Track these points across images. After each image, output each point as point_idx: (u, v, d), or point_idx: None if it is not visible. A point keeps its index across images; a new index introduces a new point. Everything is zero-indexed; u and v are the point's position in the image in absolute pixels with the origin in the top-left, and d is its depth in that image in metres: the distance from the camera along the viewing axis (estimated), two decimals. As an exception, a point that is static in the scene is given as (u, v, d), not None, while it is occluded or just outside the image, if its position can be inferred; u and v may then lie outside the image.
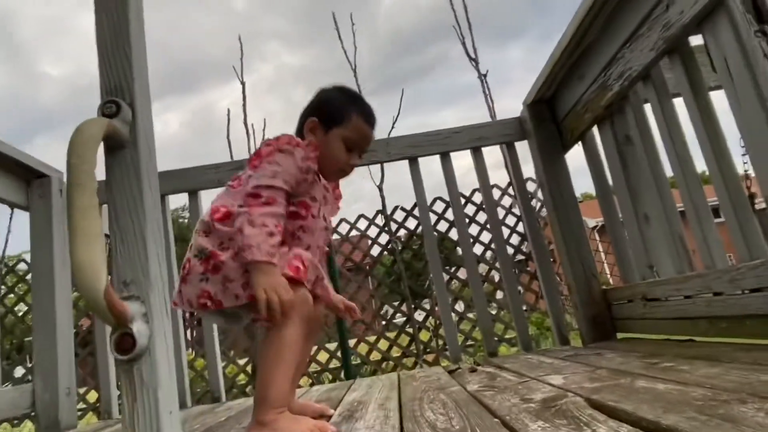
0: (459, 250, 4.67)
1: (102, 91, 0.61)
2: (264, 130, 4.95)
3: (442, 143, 2.19)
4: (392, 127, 4.74)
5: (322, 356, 4.23)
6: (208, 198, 2.28)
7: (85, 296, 0.48)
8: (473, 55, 5.33)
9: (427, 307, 4.64)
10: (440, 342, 4.41)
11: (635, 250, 1.73)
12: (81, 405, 3.81)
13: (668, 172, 1.53)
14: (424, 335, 4.53)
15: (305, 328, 1.08)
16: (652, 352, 1.38)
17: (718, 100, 1.35)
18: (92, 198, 0.48)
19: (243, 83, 5.06)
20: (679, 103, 1.44)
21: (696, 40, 1.32)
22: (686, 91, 1.33)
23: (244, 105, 4.95)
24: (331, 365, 4.19)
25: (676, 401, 0.79)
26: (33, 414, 1.86)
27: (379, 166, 5.26)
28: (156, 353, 0.53)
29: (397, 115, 4.81)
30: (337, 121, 1.21)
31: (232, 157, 4.68)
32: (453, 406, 1.09)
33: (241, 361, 4.32)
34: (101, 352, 2.06)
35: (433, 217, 4.50)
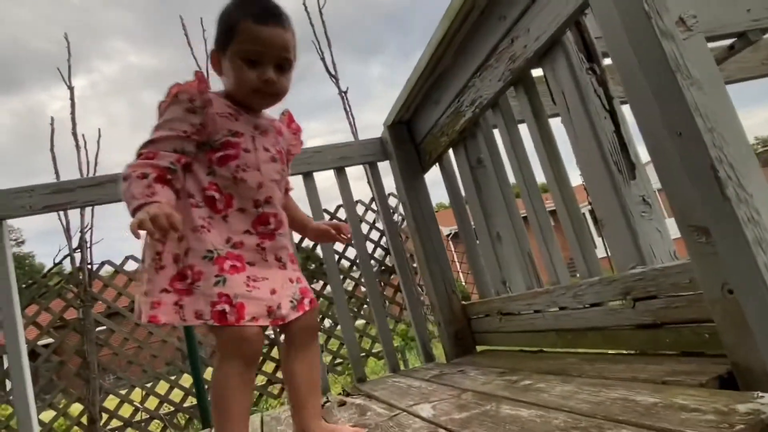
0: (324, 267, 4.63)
1: None
2: (99, 141, 4.31)
3: (306, 162, 2.09)
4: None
5: (176, 395, 3.81)
6: (19, 226, 1.88)
7: None
8: (333, 72, 5.35)
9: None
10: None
11: (489, 266, 1.82)
12: None
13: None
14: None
15: (242, 367, 0.97)
16: (510, 367, 1.44)
17: (556, 125, 1.48)
18: None
19: (71, 88, 4.37)
20: (522, 129, 1.55)
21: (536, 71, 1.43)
22: (529, 118, 1.42)
23: (72, 113, 4.28)
24: (187, 403, 3.79)
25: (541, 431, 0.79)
26: None
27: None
28: None
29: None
30: (228, 38, 1.04)
31: (57, 172, 3.99)
32: (321, 458, 1.00)
33: (75, 411, 3.69)
34: None
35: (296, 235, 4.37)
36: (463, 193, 1.95)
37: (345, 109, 5.29)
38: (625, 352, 1.23)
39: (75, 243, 3.96)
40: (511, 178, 1.68)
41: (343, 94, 5.40)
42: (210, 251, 0.97)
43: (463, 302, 2.02)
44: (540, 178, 1.52)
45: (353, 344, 2.04)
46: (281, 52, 1.05)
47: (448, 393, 1.31)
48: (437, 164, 2.01)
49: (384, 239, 4.64)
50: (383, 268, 5.06)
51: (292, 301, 1.05)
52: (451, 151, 1.92)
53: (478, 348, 1.97)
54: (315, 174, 2.11)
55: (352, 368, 1.99)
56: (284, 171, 1.14)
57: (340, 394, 1.82)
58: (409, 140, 2.12)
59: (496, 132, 1.67)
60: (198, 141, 1.02)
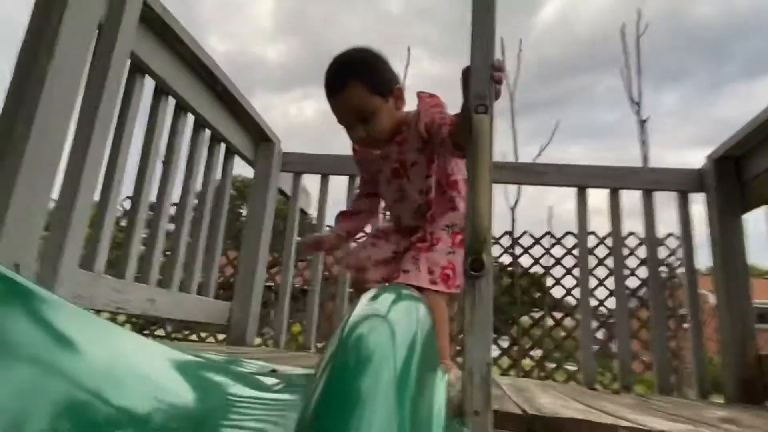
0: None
1: (472, 96, 0.88)
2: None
3: (616, 179, 2.29)
4: (538, 155, 4.85)
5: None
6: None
7: (475, 227, 0.74)
8: (636, 99, 5.24)
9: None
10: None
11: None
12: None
13: None
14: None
15: None
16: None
17: None
18: (488, 167, 0.75)
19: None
20: None
21: None
22: None
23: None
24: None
25: None
26: (227, 326, 2.29)
27: (516, 188, 5.38)
28: (490, 275, 0.78)
29: (547, 144, 4.92)
30: None
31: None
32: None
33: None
34: (281, 298, 2.46)
35: (561, 251, 4.54)
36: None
37: (641, 138, 5.16)
38: None
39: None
40: None
41: (642, 123, 5.25)
42: None
43: (763, 353, 1.92)
44: None
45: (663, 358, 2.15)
46: (352, 115, 1.18)
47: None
48: (765, 207, 1.96)
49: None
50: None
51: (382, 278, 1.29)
52: (787, 196, 1.86)
53: (769, 404, 1.86)
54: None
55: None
56: (412, 173, 1.25)
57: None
58: (734, 177, 2.10)
59: None
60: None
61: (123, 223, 1.98)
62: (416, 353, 0.38)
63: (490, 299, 0.77)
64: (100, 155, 1.12)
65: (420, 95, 1.24)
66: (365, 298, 0.46)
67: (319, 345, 2.48)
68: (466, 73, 0.88)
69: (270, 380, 0.80)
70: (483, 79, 0.88)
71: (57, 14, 1.06)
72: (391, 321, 0.40)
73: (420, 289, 1.11)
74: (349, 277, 1.39)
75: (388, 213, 1.47)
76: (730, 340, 1.97)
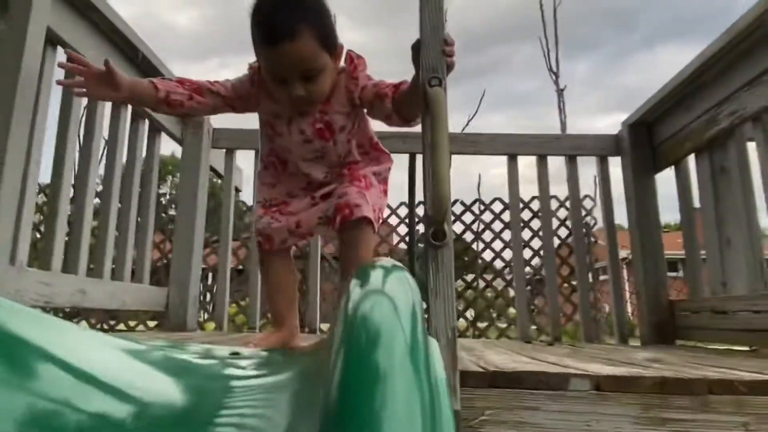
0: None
1: (424, 69, 0.89)
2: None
3: (541, 146, 2.42)
4: (466, 125, 4.99)
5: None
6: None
7: (437, 198, 0.76)
8: (554, 68, 5.49)
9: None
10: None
11: (711, 268, 1.94)
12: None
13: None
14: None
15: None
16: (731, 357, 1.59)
17: None
18: (446, 138, 0.76)
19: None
20: None
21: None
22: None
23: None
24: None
25: None
26: (164, 312, 2.20)
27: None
28: (451, 244, 0.81)
29: (474, 114, 5.05)
30: (256, 56, 1.09)
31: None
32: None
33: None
34: (221, 279, 2.38)
35: (490, 216, 4.73)
36: (695, 197, 2.07)
37: (559, 106, 5.44)
38: None
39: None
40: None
41: (560, 92, 5.53)
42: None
43: (672, 299, 2.16)
44: None
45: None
46: (299, 67, 1.04)
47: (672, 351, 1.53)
48: (673, 168, 2.16)
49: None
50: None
51: (321, 217, 1.21)
52: (691, 157, 2.06)
53: (678, 342, 2.10)
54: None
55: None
56: (339, 137, 1.19)
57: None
58: (646, 141, 2.29)
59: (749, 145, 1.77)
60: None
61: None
62: (418, 321, 0.40)
63: (452, 266, 0.80)
64: (24, 137, 1.01)
65: (349, 55, 1.18)
66: (355, 275, 0.46)
67: (261, 323, 2.45)
68: (417, 47, 0.88)
69: (239, 363, 0.79)
70: (434, 52, 0.89)
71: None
72: (390, 294, 0.41)
73: (364, 220, 1.10)
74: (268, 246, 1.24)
75: (277, 163, 1.29)
76: (644, 288, 2.18)
